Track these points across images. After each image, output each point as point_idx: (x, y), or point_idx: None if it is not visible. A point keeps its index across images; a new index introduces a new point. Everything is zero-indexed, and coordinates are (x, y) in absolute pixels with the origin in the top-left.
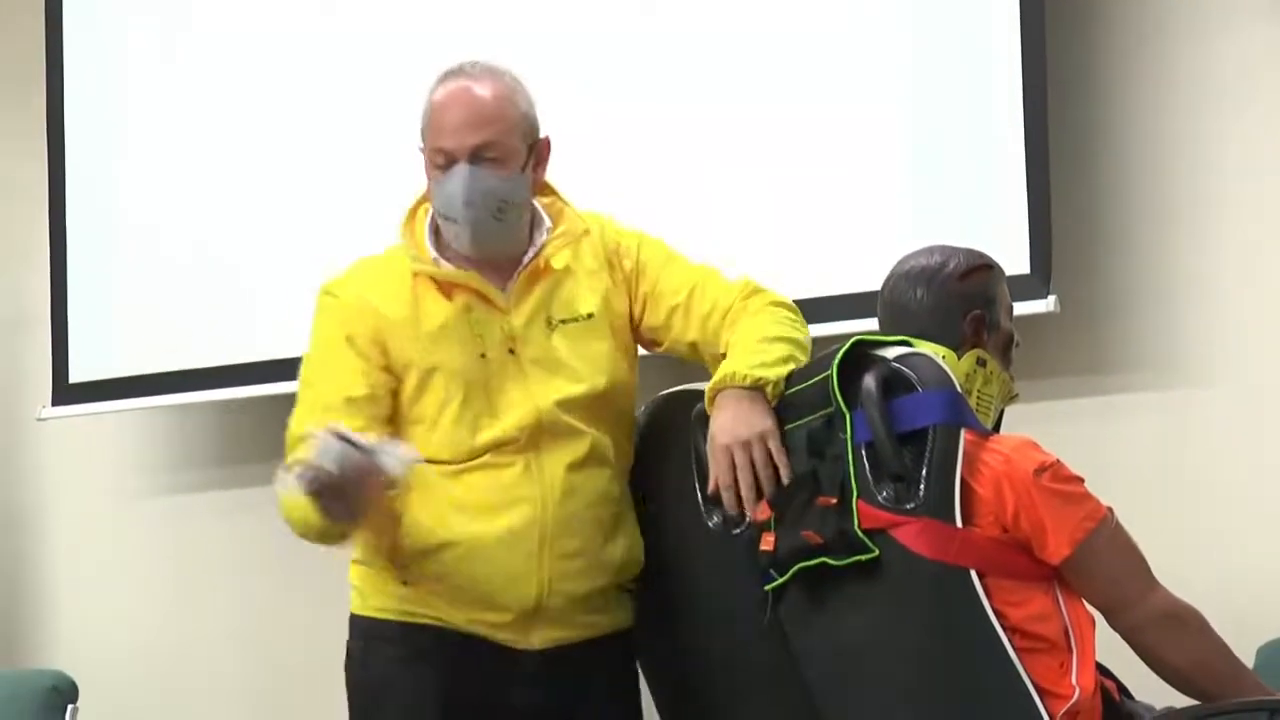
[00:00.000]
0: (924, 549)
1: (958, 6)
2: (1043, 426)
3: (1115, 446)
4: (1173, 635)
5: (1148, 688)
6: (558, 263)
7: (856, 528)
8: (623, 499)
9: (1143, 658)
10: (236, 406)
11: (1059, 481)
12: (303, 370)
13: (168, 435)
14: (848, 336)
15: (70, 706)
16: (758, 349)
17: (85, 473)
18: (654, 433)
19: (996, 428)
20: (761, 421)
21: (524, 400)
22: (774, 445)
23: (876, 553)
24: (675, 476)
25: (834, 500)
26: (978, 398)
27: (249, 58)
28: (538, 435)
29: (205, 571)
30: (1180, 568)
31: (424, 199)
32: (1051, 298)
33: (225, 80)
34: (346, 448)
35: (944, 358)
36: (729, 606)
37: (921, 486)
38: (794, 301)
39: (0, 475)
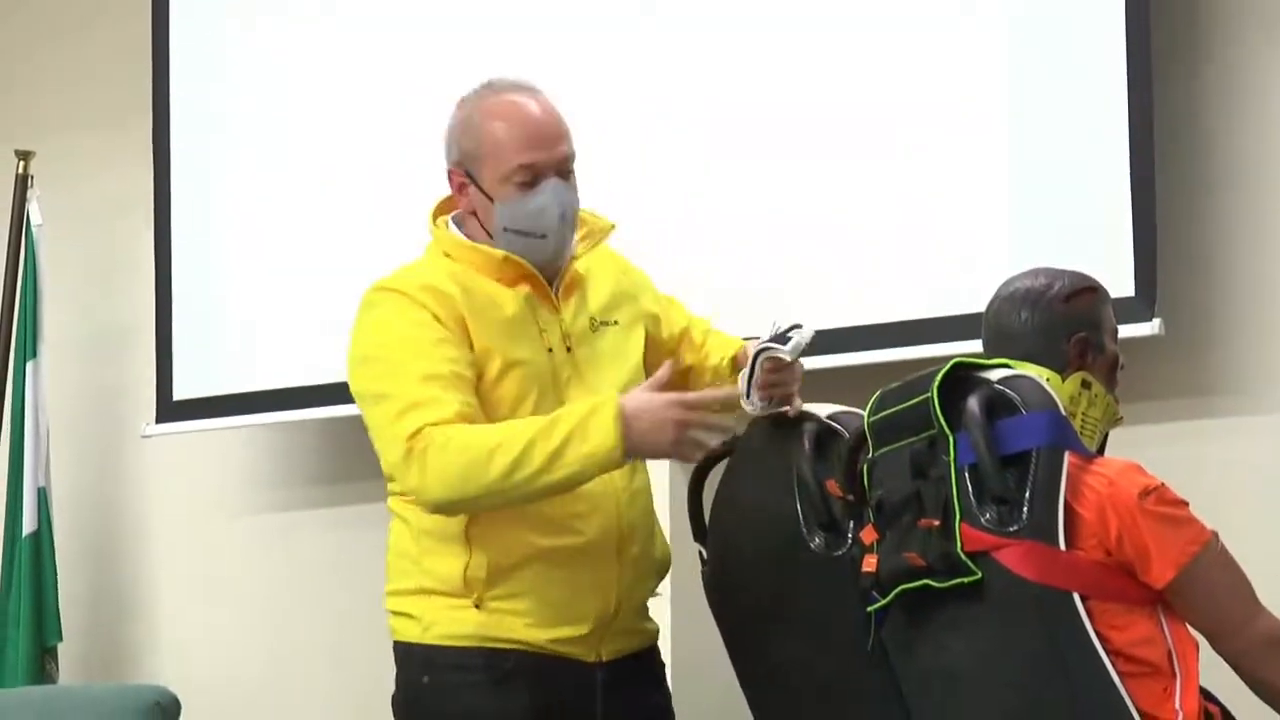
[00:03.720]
0: (1027, 571)
1: (1062, 27)
2: (1147, 449)
3: (1220, 470)
4: (1277, 660)
5: (1252, 711)
6: (582, 266)
7: (959, 550)
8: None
9: (1247, 682)
10: (340, 424)
11: (1163, 505)
12: (382, 357)
13: (271, 453)
14: (950, 359)
15: None
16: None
17: (188, 489)
18: (753, 449)
19: (1101, 451)
20: None
21: None
22: None
23: (979, 575)
24: (773, 493)
25: (937, 522)
26: (1082, 420)
27: (352, 75)
28: None
29: (308, 589)
30: None
31: (441, 210)
32: (1156, 320)
33: (329, 98)
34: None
35: (1048, 380)
36: (830, 628)
37: (1025, 509)
38: (896, 324)
39: (104, 491)
